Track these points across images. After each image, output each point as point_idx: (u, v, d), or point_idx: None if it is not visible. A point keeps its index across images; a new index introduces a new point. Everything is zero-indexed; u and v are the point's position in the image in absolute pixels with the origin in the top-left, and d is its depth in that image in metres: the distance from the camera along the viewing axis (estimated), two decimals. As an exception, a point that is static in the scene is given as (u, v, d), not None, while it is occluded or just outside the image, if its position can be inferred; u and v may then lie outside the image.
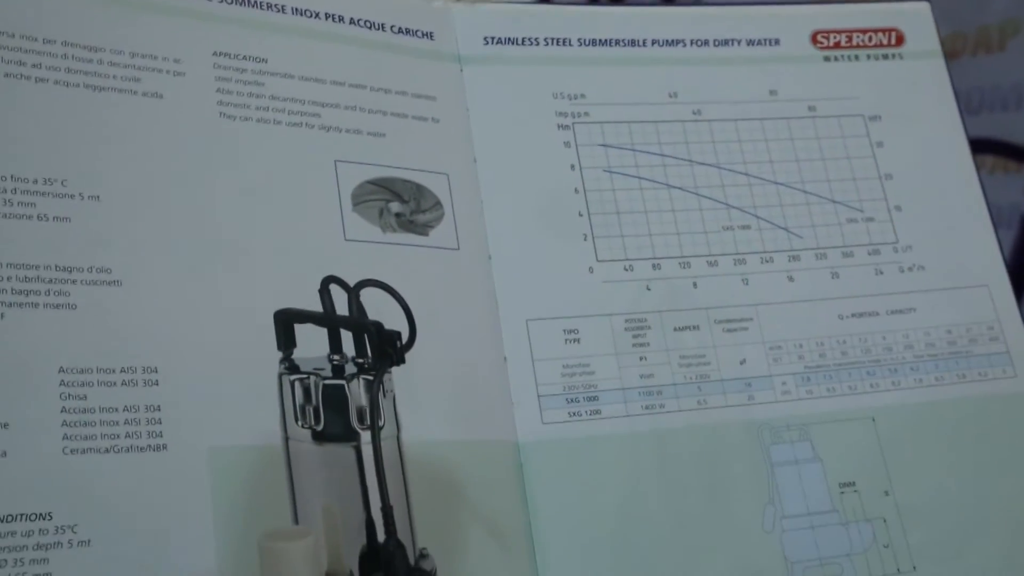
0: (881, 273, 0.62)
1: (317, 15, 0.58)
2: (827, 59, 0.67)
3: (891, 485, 0.58)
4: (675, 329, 0.59)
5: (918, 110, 0.67)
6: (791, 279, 0.61)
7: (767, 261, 0.62)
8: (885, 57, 0.68)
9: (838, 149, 0.65)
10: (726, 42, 0.67)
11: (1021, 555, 0.57)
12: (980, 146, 1.12)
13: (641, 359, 0.58)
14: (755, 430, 0.58)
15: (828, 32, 0.68)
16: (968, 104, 1.12)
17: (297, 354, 0.51)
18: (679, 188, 0.62)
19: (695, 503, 0.56)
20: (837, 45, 0.68)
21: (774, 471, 0.57)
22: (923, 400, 0.60)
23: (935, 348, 0.61)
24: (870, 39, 0.68)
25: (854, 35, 0.68)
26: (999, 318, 0.62)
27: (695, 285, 0.60)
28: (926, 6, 0.70)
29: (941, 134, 0.67)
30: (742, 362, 0.59)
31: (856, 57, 0.68)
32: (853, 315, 0.61)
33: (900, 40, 0.68)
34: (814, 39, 0.68)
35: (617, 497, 0.55)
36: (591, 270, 0.59)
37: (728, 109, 0.65)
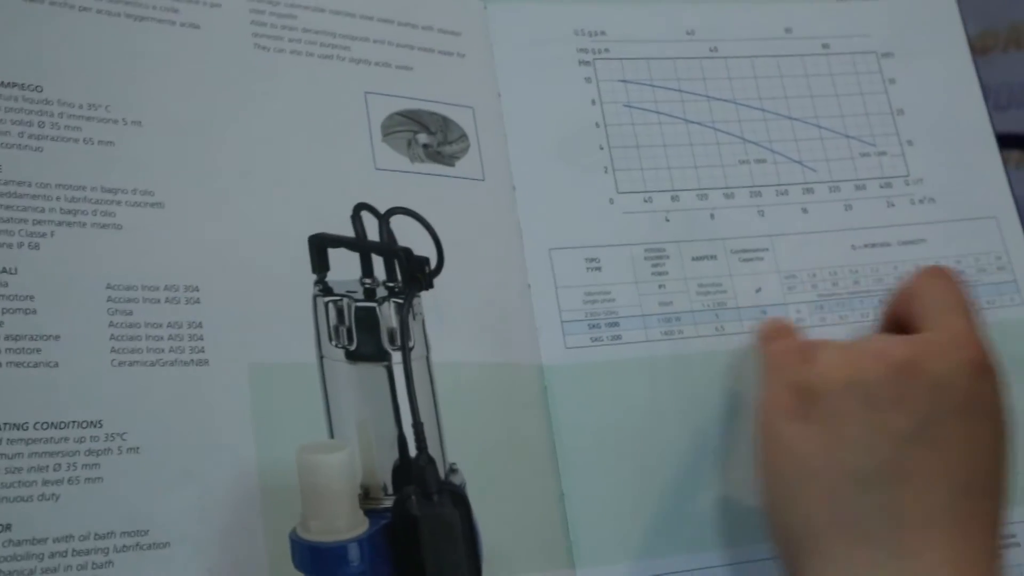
0: (893, 205, 0.64)
1: (347, -49, 0.60)
2: (841, -2, 0.69)
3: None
4: (693, 259, 0.61)
5: (929, 48, 0.68)
6: (805, 211, 0.63)
7: (782, 194, 0.63)
8: (898, -5, 0.69)
9: (851, 85, 0.67)
10: (743, -19, 0.68)
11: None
12: (1009, 141, 1.13)
13: (660, 287, 0.60)
14: (770, 355, 0.59)
15: (843, -29, 0.69)
16: (998, 100, 1.13)
17: (330, 277, 0.53)
18: (696, 123, 0.64)
19: (712, 424, 0.58)
20: (851, -16, 0.69)
21: (789, 395, 0.59)
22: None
23: (945, 278, 0.63)
24: (883, -22, 0.70)
25: (867, -26, 0.69)
26: (1007, 248, 0.64)
27: (712, 216, 0.62)
28: (938, -56, 0.71)
29: (952, 71, 0.68)
30: (758, 290, 0.61)
31: (870, -5, 0.69)
32: (865, 246, 0.63)
33: (913, -22, 0.70)
34: (828, -22, 0.69)
35: (637, 418, 0.57)
36: (611, 201, 0.61)
37: (744, 46, 0.66)
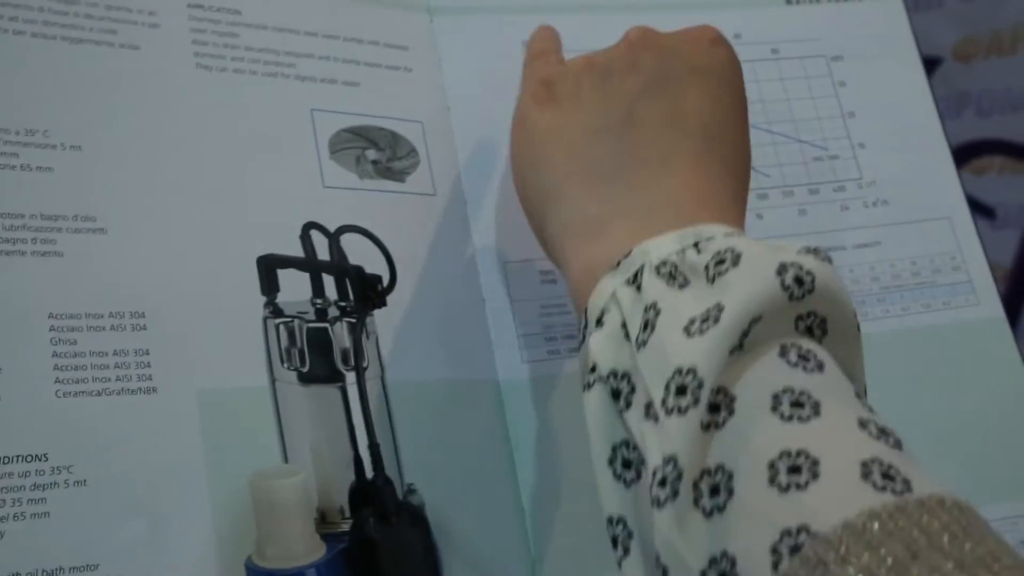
0: (847, 208, 0.64)
1: (288, -33, 0.59)
2: (789, 2, 0.69)
3: (862, 412, 0.59)
4: None
5: (878, 51, 0.68)
6: (760, 217, 0.63)
7: (736, 200, 0.63)
8: (845, 0, 0.69)
9: (802, 89, 0.67)
10: (689, -13, 0.68)
11: (986, 466, 0.59)
12: (990, 147, 1.14)
13: (616, 298, 0.59)
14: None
15: (790, -24, 0.69)
16: (980, 106, 1.14)
17: (280, 298, 0.52)
18: (648, 131, 0.63)
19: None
20: (799, -11, 0.69)
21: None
22: (890, 329, 0.62)
23: (900, 279, 0.63)
24: (831, -18, 0.70)
25: (815, -22, 0.69)
26: (961, 249, 0.64)
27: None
28: (884, -51, 0.71)
29: (901, 74, 0.68)
30: (714, 298, 0.60)
31: (818, 0, 0.69)
32: (822, 249, 0.63)
33: (860, -18, 0.70)
34: (776, -17, 0.69)
35: (597, 431, 0.56)
36: (565, 213, 0.60)
37: (694, 53, 0.66)
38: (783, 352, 0.37)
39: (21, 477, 0.44)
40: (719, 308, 0.37)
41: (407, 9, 0.62)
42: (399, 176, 0.58)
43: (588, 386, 0.40)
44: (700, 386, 0.36)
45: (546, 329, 0.58)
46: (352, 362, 0.52)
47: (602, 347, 0.40)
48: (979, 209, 1.03)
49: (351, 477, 0.51)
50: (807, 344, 0.38)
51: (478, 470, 0.54)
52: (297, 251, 0.53)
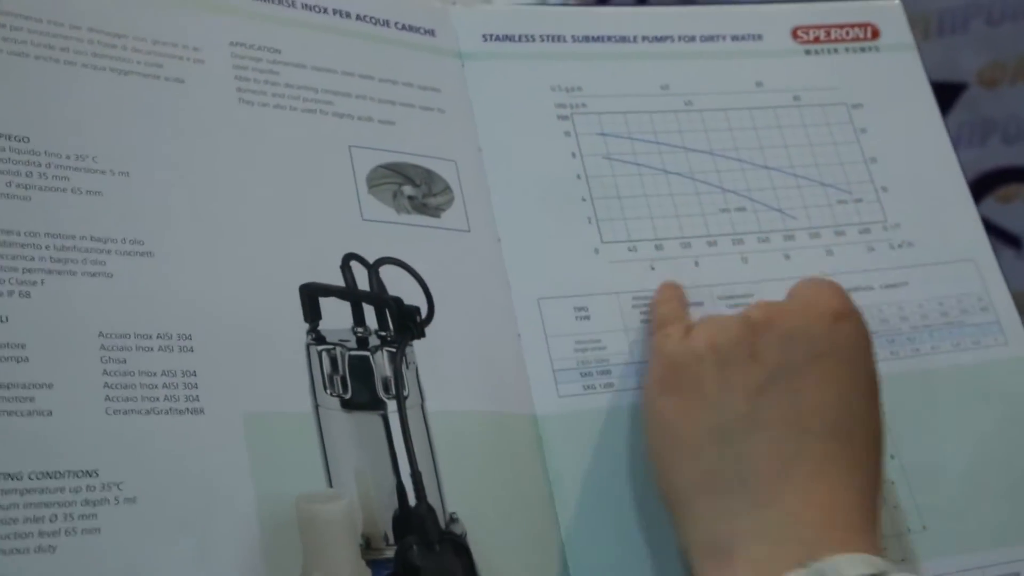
0: (873, 250, 0.65)
1: (325, 10, 0.60)
2: (808, 52, 0.70)
3: (896, 449, 0.59)
4: None
5: (897, 98, 0.70)
6: (787, 257, 0.63)
7: (763, 240, 0.64)
8: (862, 50, 0.71)
9: (824, 135, 0.68)
10: (712, 38, 0.69)
11: (1020, 506, 0.59)
12: (1017, 175, 1.13)
13: (650, 335, 0.59)
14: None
15: (808, 27, 0.71)
16: (1006, 133, 1.15)
17: (322, 326, 0.52)
18: (676, 173, 0.64)
19: (709, 470, 0.57)
20: (816, 40, 0.71)
21: (783, 438, 0.59)
22: (921, 368, 0.62)
23: (929, 319, 0.63)
24: (847, 33, 0.71)
25: (832, 30, 0.71)
26: (988, 290, 0.65)
27: (696, 264, 0.62)
28: (897, 3, 0.73)
29: (920, 120, 0.69)
30: (746, 335, 0.61)
31: (835, 50, 0.71)
32: (849, 290, 0.63)
33: (876, 34, 0.72)
34: (794, 34, 0.71)
35: (633, 465, 0.56)
36: (596, 251, 0.61)
37: (717, 99, 0.67)
38: None
39: (72, 492, 0.43)
40: None
41: (439, 54, 0.63)
42: (434, 212, 0.58)
43: None
44: None
45: (581, 364, 0.58)
46: (393, 390, 0.52)
47: None
48: (1004, 238, 1.04)
49: (394, 504, 0.51)
50: None
51: (517, 502, 0.53)
52: (337, 281, 0.54)
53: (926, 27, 1.06)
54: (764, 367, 0.48)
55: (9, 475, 0.42)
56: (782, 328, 0.49)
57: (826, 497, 0.45)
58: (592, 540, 0.54)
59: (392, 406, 0.52)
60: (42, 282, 0.46)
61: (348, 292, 0.53)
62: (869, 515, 0.46)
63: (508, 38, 0.66)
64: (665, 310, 0.58)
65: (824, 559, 0.41)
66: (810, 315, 0.49)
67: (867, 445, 0.48)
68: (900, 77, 0.71)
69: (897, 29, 0.72)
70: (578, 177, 0.63)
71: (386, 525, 0.50)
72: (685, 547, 0.49)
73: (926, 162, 0.68)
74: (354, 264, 0.54)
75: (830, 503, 0.45)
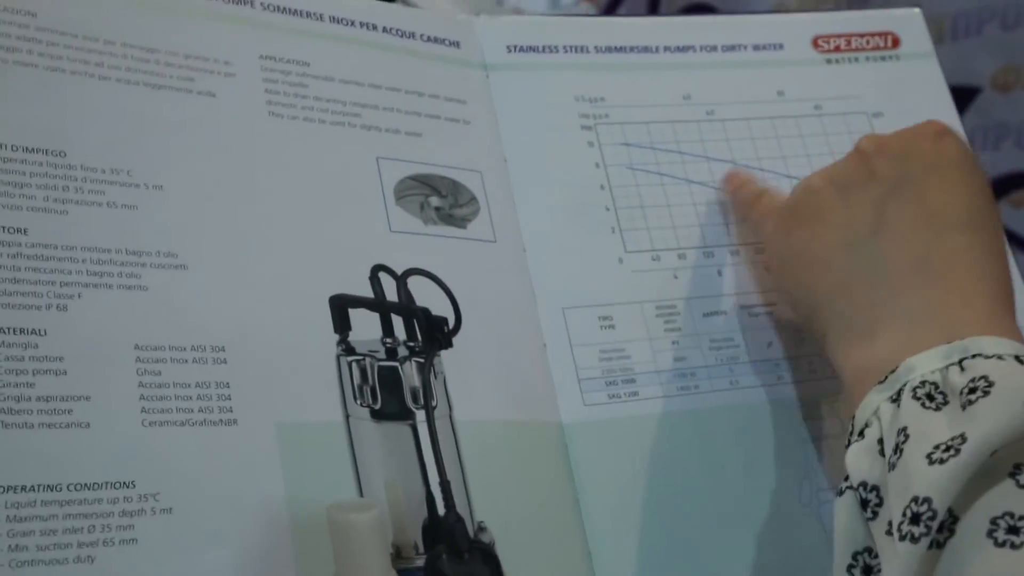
0: (894, 258, 0.65)
1: (352, 23, 0.61)
2: (828, 61, 0.71)
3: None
4: (704, 315, 0.61)
5: (917, 107, 0.70)
6: (811, 266, 0.64)
7: (786, 250, 0.64)
8: (883, 59, 0.71)
9: (845, 144, 0.68)
10: (733, 47, 0.70)
11: None
12: None
13: (674, 343, 0.60)
14: (786, 408, 0.60)
15: (828, 37, 0.71)
16: (1020, 137, 1.14)
17: (352, 337, 0.53)
18: (698, 183, 0.65)
19: (733, 479, 0.58)
20: (837, 49, 0.71)
21: (807, 446, 0.59)
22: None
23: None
24: (868, 42, 0.72)
25: (852, 39, 0.71)
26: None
27: (720, 273, 0.63)
28: (918, 12, 0.73)
29: (940, 129, 0.70)
30: (769, 344, 0.61)
31: (856, 59, 0.71)
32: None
33: (896, 43, 0.72)
34: (815, 43, 0.71)
35: (659, 474, 0.57)
36: (620, 260, 0.62)
37: (739, 109, 0.68)
38: (1014, 472, 0.38)
39: (110, 503, 0.44)
40: (963, 439, 0.38)
41: (464, 65, 0.64)
42: (461, 223, 0.59)
43: (840, 492, 0.42)
44: (933, 517, 0.37)
45: (606, 373, 0.59)
46: (422, 401, 0.52)
47: (858, 458, 0.42)
48: (1017, 242, 1.03)
49: (424, 513, 0.51)
50: None
51: (544, 511, 0.54)
52: (367, 292, 0.54)
53: (940, 31, 1.06)
54: (884, 182, 0.50)
55: (49, 487, 0.43)
56: (895, 148, 0.52)
57: (964, 283, 0.46)
58: (619, 548, 0.55)
59: (421, 416, 0.52)
60: (79, 295, 0.47)
61: (377, 303, 0.54)
62: (1007, 302, 0.47)
63: (532, 49, 0.66)
64: (751, 187, 0.62)
65: (967, 338, 0.42)
66: (916, 136, 0.52)
67: (996, 236, 0.49)
68: (920, 85, 0.71)
69: (917, 37, 0.73)
70: (602, 187, 0.63)
71: (416, 534, 0.51)
72: (825, 346, 0.51)
73: (947, 171, 0.69)
74: (382, 275, 0.55)
75: (969, 289, 0.46)
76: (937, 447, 0.39)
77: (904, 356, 0.43)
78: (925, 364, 0.42)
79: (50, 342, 0.46)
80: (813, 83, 0.70)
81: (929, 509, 0.37)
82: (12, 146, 0.49)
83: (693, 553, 0.56)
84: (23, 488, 0.43)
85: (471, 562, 0.51)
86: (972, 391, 0.40)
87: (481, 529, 0.52)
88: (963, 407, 0.40)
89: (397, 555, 0.50)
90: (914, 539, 0.37)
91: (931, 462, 0.38)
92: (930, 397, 0.41)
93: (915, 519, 0.38)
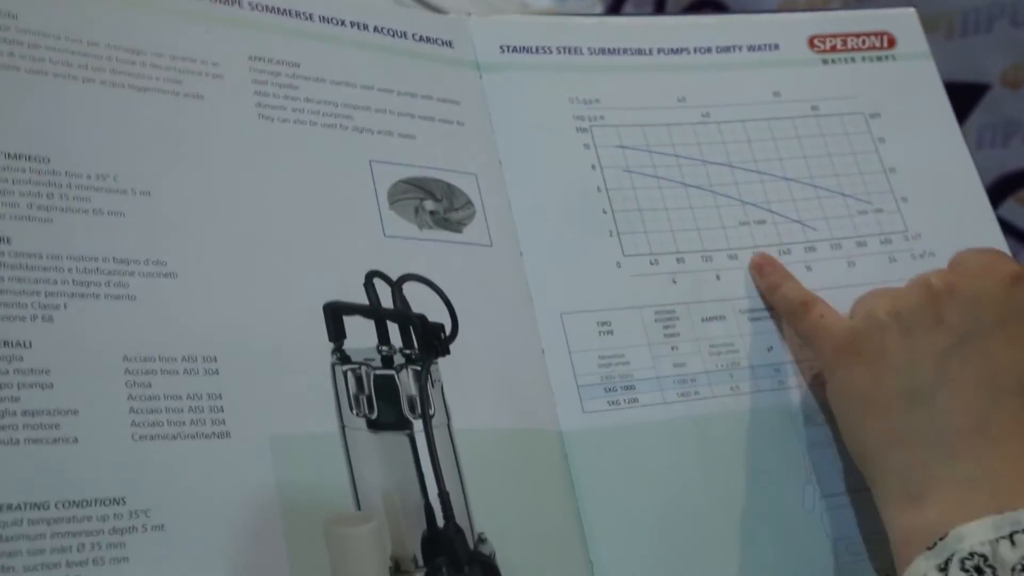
0: (895, 260, 0.64)
1: (343, 23, 0.60)
2: (825, 62, 0.70)
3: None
4: (703, 320, 0.60)
5: (915, 107, 0.69)
6: (809, 269, 0.63)
7: (785, 253, 0.63)
8: (879, 59, 0.71)
9: (843, 145, 0.67)
10: (728, 48, 0.69)
11: None
12: None
13: (673, 348, 0.59)
14: (788, 413, 0.59)
15: (824, 36, 0.70)
16: None
17: (346, 345, 0.51)
18: (695, 186, 0.64)
19: (736, 485, 0.56)
20: (833, 48, 0.70)
21: (809, 452, 0.58)
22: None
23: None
24: (864, 42, 0.71)
25: (848, 39, 0.70)
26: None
27: (718, 277, 0.61)
28: (912, 11, 0.73)
29: (938, 129, 0.69)
30: (769, 349, 0.60)
31: (852, 59, 0.70)
32: (872, 301, 0.63)
33: (892, 43, 0.71)
34: (811, 43, 0.70)
35: (661, 481, 0.56)
36: (619, 265, 0.60)
37: (735, 111, 0.67)
38: None
39: (100, 521, 0.43)
40: None
41: (457, 65, 0.63)
42: (456, 227, 0.58)
43: None
44: None
45: (605, 380, 0.57)
46: (419, 409, 0.51)
47: None
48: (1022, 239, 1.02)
49: (422, 525, 0.50)
50: None
51: (544, 520, 0.53)
52: (360, 299, 0.53)
53: (950, 27, 1.05)
54: (952, 332, 0.49)
55: (36, 504, 0.42)
56: (966, 294, 0.49)
57: (1021, 450, 0.45)
58: (620, 557, 0.54)
59: (418, 425, 0.51)
60: (64, 306, 0.46)
61: (372, 310, 0.53)
62: None
63: (525, 49, 0.65)
64: (793, 289, 0.60)
65: (1019, 509, 0.42)
66: (991, 279, 0.50)
67: None
68: (917, 85, 0.70)
69: (913, 37, 0.72)
70: (599, 189, 0.62)
71: (415, 547, 0.49)
72: (876, 495, 0.50)
73: (945, 171, 0.68)
74: (377, 282, 0.53)
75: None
76: None
77: (954, 522, 0.42)
78: (975, 535, 0.42)
79: (35, 354, 0.44)
80: (810, 83, 0.69)
81: None
82: (-6, 152, 0.47)
83: (696, 560, 0.55)
84: (9, 507, 0.41)
85: (472, 575, 0.50)
86: None
87: (481, 540, 0.51)
88: None
89: (396, 568, 0.49)
90: None
91: None
92: (979, 571, 0.41)
93: None
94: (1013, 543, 0.40)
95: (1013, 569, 0.39)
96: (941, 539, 0.42)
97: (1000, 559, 0.40)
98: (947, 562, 0.41)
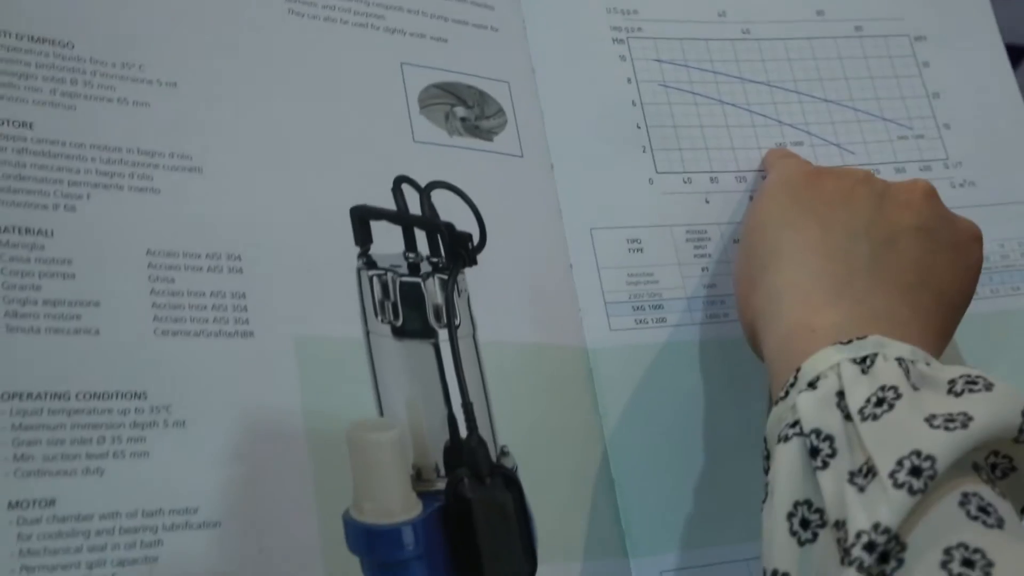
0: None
1: (378, -80, 0.58)
2: (871, -20, 0.68)
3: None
4: (735, 241, 0.59)
5: (962, 32, 0.67)
6: (846, 193, 0.61)
7: (821, 176, 0.61)
8: (928, -20, 0.68)
9: (886, 68, 0.65)
10: (771, -38, 0.66)
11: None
12: None
13: (703, 270, 0.58)
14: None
15: (872, -46, 0.68)
16: None
17: (373, 250, 0.50)
18: (732, 104, 0.62)
19: (760, 409, 0.55)
20: (881, -34, 0.68)
21: (838, 378, 0.57)
22: (979, 312, 0.60)
23: (989, 261, 0.61)
24: (912, -38, 0.68)
25: (897, -43, 0.68)
26: (1050, 233, 0.63)
27: (752, 198, 0.60)
28: (966, -66, 0.70)
29: (985, 56, 0.67)
30: (801, 272, 0.59)
31: (900, -21, 0.68)
32: (908, 228, 0.61)
33: (942, -36, 0.69)
34: (858, -39, 0.68)
35: (685, 401, 0.55)
36: (651, 181, 0.59)
37: (776, 28, 0.65)
38: (963, 502, 0.37)
39: (120, 414, 0.42)
40: (967, 416, 0.37)
41: (492, -31, 0.61)
42: (487, 135, 0.56)
43: (785, 439, 0.41)
44: (932, 476, 0.36)
45: (633, 298, 0.56)
46: (444, 318, 0.50)
47: (810, 407, 0.40)
48: None
49: (445, 435, 0.49)
50: (989, 495, 0.37)
51: (567, 436, 0.52)
52: (388, 203, 0.52)
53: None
54: (917, 217, 0.50)
55: (56, 395, 0.41)
56: (941, 212, 0.52)
57: (939, 328, 0.48)
58: (642, 474, 0.53)
59: (444, 335, 0.50)
60: (88, 196, 0.44)
61: (400, 216, 0.51)
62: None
63: (563, -46, 0.63)
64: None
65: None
66: (958, 228, 0.52)
67: (959, 314, 0.50)
68: (965, 10, 0.68)
69: (962, -41, 0.69)
70: (633, 104, 0.60)
71: (437, 456, 0.49)
72: (765, 282, 0.49)
73: (990, 100, 0.66)
74: (405, 187, 0.52)
75: (937, 341, 0.47)
76: (935, 416, 0.38)
77: (873, 334, 0.42)
78: (900, 349, 0.41)
79: (57, 244, 0.43)
80: (854, 3, 0.67)
81: (932, 468, 0.36)
82: (17, 34, 0.46)
83: (716, 480, 0.54)
84: (29, 395, 0.41)
85: (493, 487, 0.49)
86: (972, 383, 0.39)
87: (504, 453, 0.50)
88: (957, 394, 0.39)
89: (418, 477, 0.48)
90: (912, 491, 0.36)
91: (932, 426, 0.37)
92: (907, 373, 0.40)
93: (915, 472, 0.36)
94: (930, 367, 0.41)
95: (952, 382, 0.39)
96: (860, 338, 0.41)
97: (921, 373, 0.40)
98: (867, 358, 0.40)
